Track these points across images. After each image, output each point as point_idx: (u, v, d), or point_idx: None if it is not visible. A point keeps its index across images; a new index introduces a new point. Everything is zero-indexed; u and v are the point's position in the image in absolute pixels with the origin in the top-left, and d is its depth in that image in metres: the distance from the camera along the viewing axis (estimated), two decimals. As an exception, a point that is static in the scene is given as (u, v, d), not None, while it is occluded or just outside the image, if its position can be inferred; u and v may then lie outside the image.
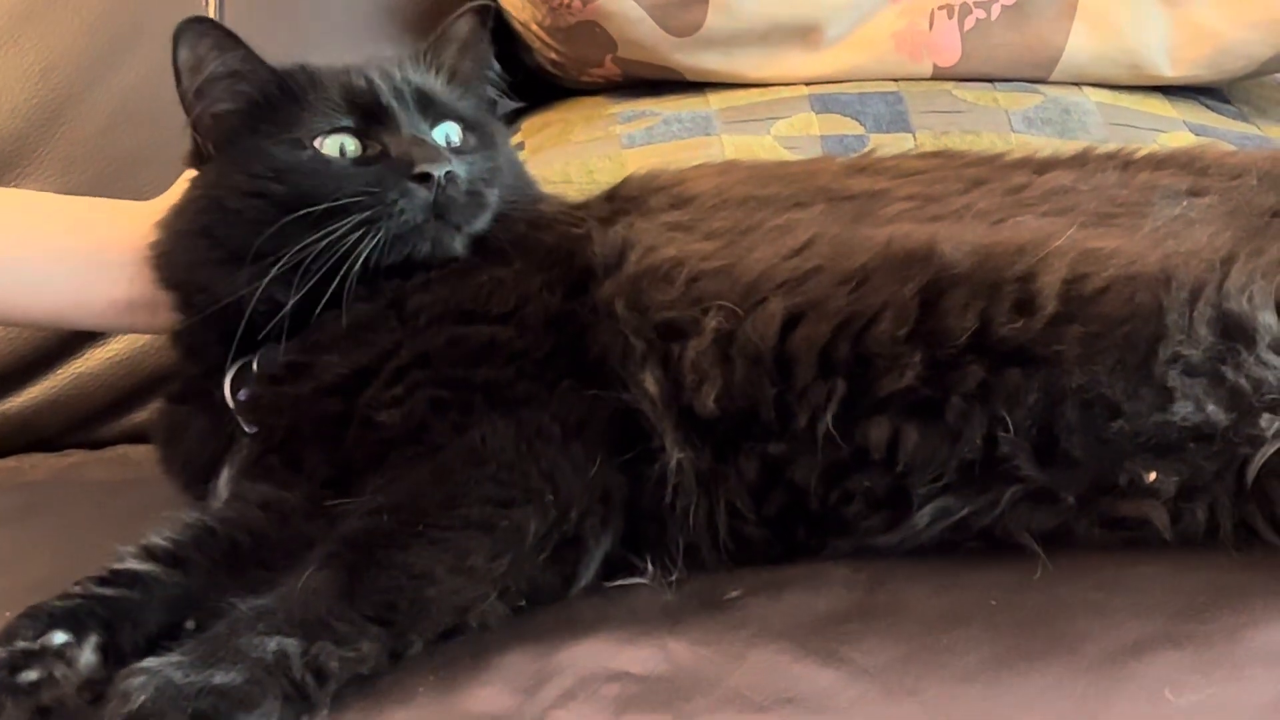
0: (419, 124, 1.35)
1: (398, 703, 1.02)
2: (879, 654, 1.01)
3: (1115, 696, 0.93)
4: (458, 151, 1.36)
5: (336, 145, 1.32)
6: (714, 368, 1.18)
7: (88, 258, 1.48)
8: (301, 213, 1.27)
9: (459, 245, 1.32)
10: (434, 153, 1.31)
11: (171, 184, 1.46)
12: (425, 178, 1.28)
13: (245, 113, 1.36)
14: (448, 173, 1.29)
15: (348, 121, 1.33)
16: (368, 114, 1.34)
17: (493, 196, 1.34)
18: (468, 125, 1.40)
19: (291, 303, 1.26)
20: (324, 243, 1.25)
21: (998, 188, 1.31)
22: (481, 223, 1.33)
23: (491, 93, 1.50)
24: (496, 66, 1.50)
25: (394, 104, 1.35)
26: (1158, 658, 0.96)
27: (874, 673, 0.98)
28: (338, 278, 1.26)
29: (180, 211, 1.38)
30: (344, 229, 1.26)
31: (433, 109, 1.38)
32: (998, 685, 0.96)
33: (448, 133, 1.38)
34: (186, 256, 1.36)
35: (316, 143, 1.32)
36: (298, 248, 1.26)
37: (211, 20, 1.37)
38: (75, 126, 1.87)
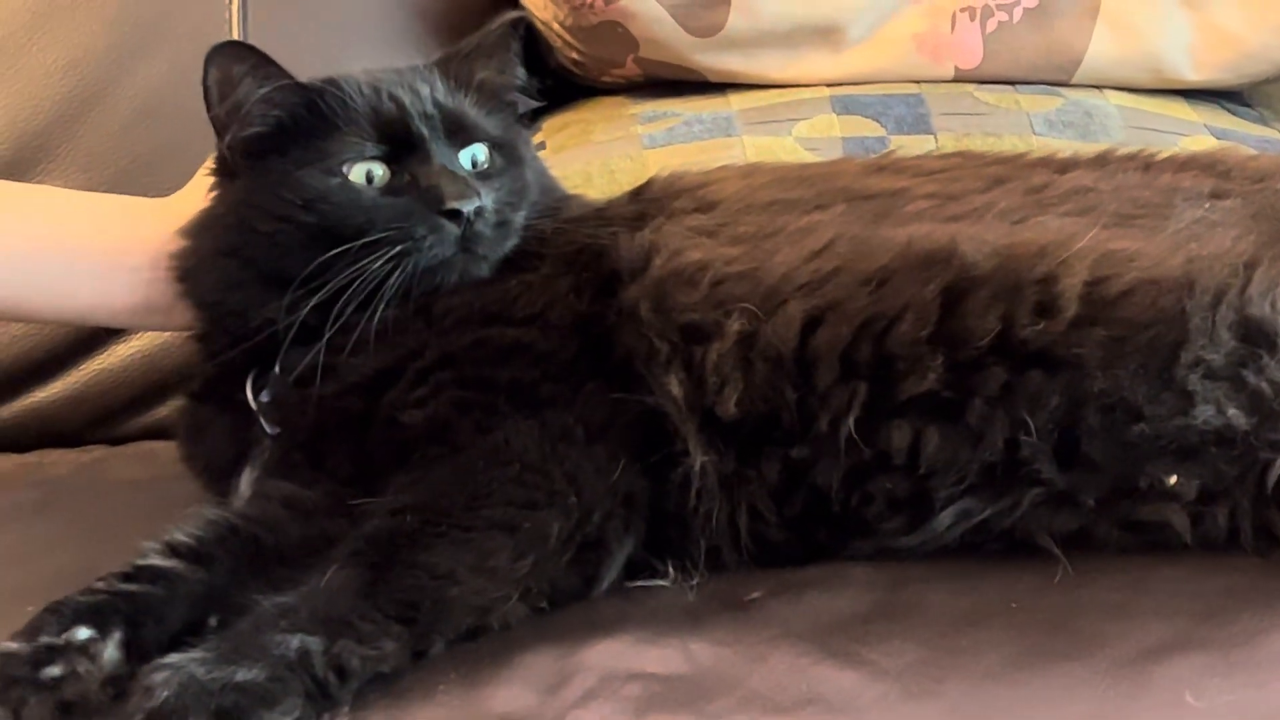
0: (447, 152, 1.34)
1: (419, 701, 1.02)
2: (900, 655, 1.01)
3: (1136, 699, 0.94)
4: (484, 175, 1.35)
5: (365, 172, 1.32)
6: (735, 370, 1.18)
7: (106, 261, 1.48)
8: (339, 249, 1.27)
9: (486, 270, 1.32)
10: (463, 187, 1.30)
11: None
12: (454, 214, 1.28)
13: (275, 134, 1.35)
14: (477, 208, 1.29)
15: (377, 150, 1.32)
16: (397, 141, 1.33)
17: (519, 220, 1.34)
18: (495, 144, 1.39)
19: (329, 332, 1.26)
20: (357, 278, 1.25)
21: (1018, 187, 1.31)
22: (508, 247, 1.33)
23: (516, 97, 1.50)
24: (523, 75, 1.49)
25: (424, 131, 1.34)
26: (1178, 661, 0.96)
27: (895, 673, 0.98)
28: (370, 306, 1.26)
29: (206, 226, 1.38)
30: (375, 262, 1.26)
31: (461, 132, 1.37)
32: (1019, 686, 0.96)
33: (475, 155, 1.36)
34: (215, 277, 1.36)
35: (345, 169, 1.31)
36: (333, 281, 1.26)
37: (245, 44, 1.36)
38: (98, 123, 1.87)
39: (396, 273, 1.26)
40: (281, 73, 1.33)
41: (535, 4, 1.90)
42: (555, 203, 1.42)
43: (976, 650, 1.00)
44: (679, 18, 1.82)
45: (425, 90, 1.37)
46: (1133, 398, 1.09)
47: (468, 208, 1.28)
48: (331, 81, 1.36)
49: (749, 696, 0.98)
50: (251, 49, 1.34)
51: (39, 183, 1.83)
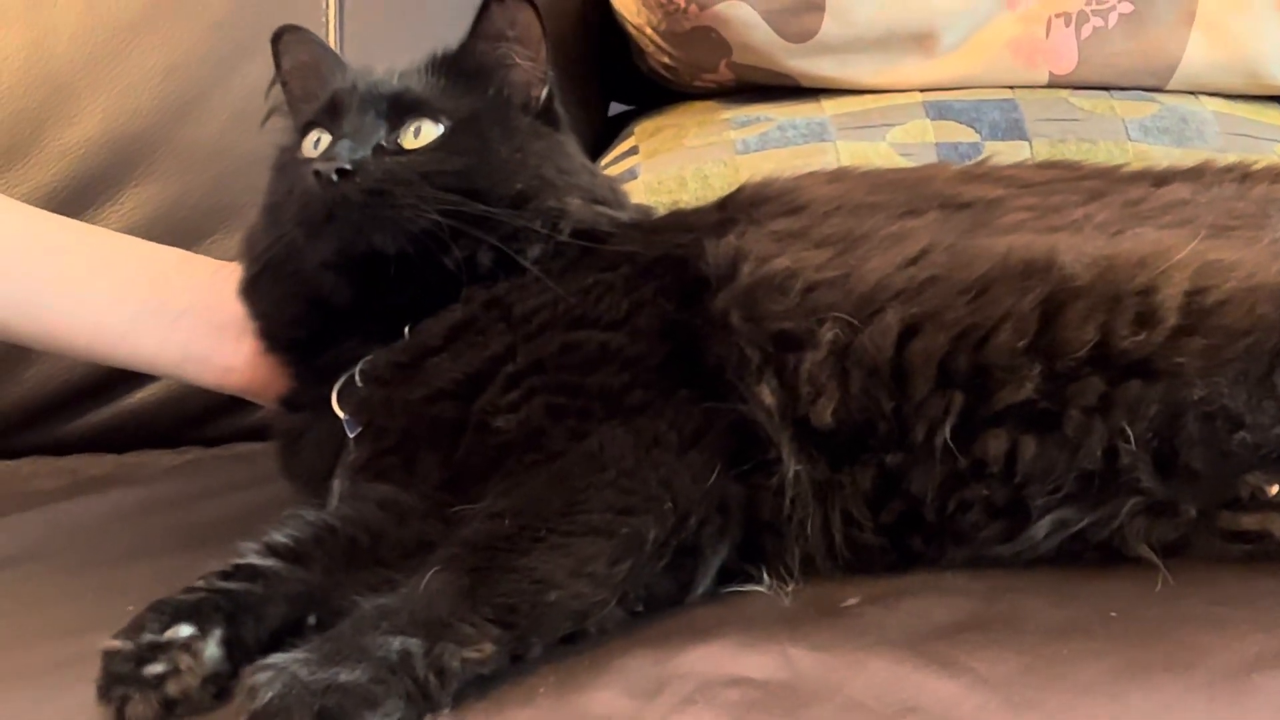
0: (371, 121, 1.34)
1: (518, 704, 1.02)
2: (999, 664, 1.00)
3: (1239, 711, 0.93)
4: (421, 151, 1.33)
5: (315, 141, 1.36)
6: (831, 380, 1.17)
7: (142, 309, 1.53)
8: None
9: (384, 244, 1.29)
10: (336, 151, 1.30)
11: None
12: (318, 175, 1.28)
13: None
14: (340, 169, 1.27)
15: (318, 122, 1.37)
16: (332, 114, 1.37)
17: (409, 197, 1.29)
18: (458, 122, 1.36)
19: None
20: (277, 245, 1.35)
21: (1116, 200, 1.30)
22: (415, 224, 1.29)
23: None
24: (534, 55, 1.41)
25: (346, 101, 1.36)
26: (1282, 673, 0.96)
27: (995, 683, 0.98)
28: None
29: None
30: (285, 227, 1.33)
31: (401, 107, 1.36)
32: (1120, 698, 0.95)
33: (419, 128, 1.34)
34: (243, 264, 1.45)
35: (303, 142, 1.38)
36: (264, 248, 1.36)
37: (297, 28, 1.44)
38: (197, 127, 1.90)
39: (286, 236, 1.33)
40: (304, 59, 1.43)
41: (628, 9, 1.90)
42: (578, 203, 1.38)
43: (1077, 660, 0.99)
44: (773, 23, 1.82)
45: (379, 72, 1.41)
46: (1234, 406, 1.08)
47: (325, 169, 1.28)
48: (356, 68, 1.42)
49: (848, 703, 0.97)
50: (299, 32, 1.43)
51: (139, 185, 1.87)
